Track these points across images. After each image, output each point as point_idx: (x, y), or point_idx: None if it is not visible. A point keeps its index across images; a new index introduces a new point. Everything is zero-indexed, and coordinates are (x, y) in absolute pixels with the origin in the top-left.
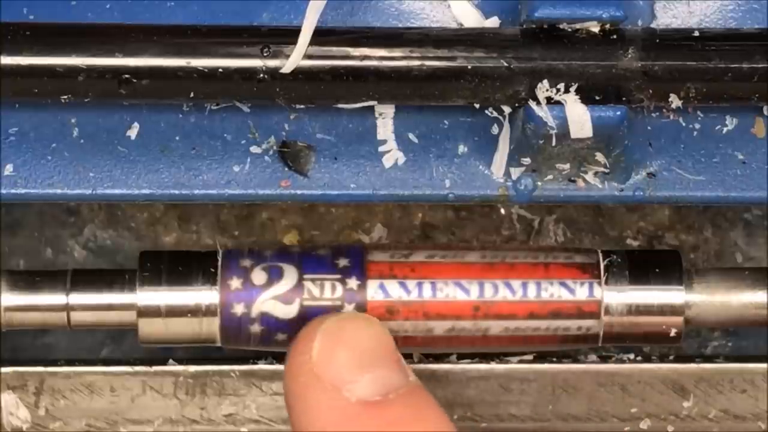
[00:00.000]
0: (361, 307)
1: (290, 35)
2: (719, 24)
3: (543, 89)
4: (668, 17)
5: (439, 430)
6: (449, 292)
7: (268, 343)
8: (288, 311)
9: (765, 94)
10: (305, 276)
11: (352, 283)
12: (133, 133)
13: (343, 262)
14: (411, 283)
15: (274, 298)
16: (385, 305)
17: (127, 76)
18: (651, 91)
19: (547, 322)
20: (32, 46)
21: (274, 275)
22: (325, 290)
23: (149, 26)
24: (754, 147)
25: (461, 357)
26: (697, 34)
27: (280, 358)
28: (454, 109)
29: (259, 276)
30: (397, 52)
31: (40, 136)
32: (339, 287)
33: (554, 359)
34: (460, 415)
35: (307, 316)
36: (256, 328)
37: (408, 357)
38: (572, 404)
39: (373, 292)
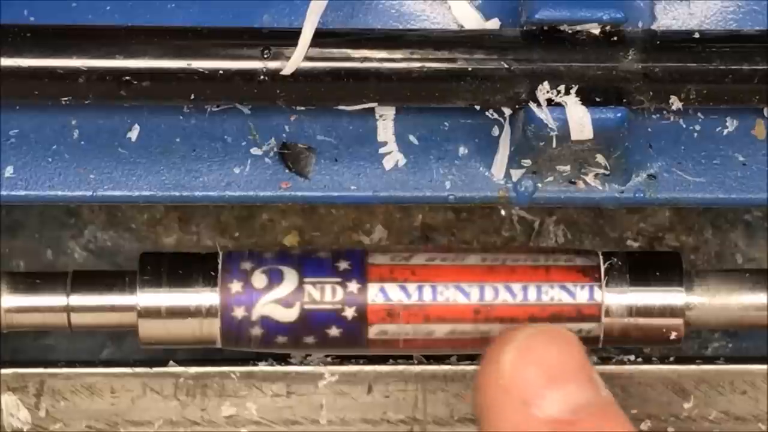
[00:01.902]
0: (362, 311)
1: (291, 37)
2: (719, 25)
3: (543, 91)
4: (668, 19)
5: None
6: (450, 295)
7: (268, 345)
8: (288, 314)
9: (765, 95)
10: (305, 279)
11: (353, 286)
12: (133, 134)
13: (343, 265)
14: (411, 287)
15: (274, 301)
16: (385, 308)
17: (127, 77)
18: (651, 93)
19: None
20: (33, 47)
21: (275, 278)
22: (325, 293)
23: (150, 28)
24: (754, 149)
25: (461, 358)
26: (697, 35)
27: (280, 359)
28: (455, 111)
29: (259, 279)
30: (397, 54)
31: (40, 137)
32: (339, 290)
33: None
34: (460, 416)
35: (307, 320)
36: (256, 330)
37: (408, 358)
38: None
39: (374, 295)
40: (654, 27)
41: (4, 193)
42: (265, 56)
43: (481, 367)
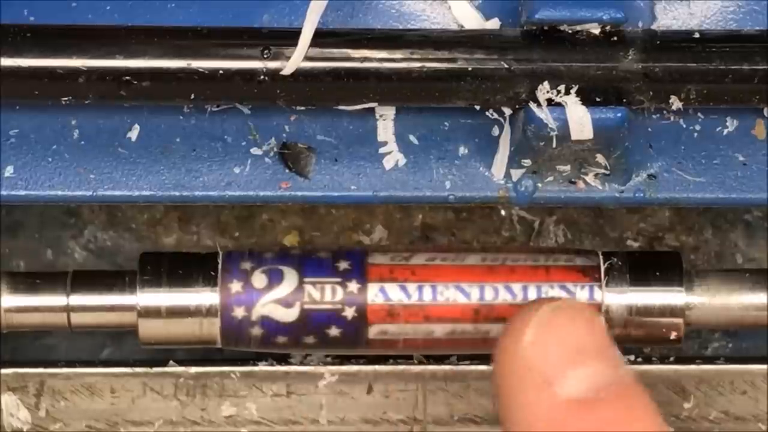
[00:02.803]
0: (362, 311)
1: (291, 37)
2: (719, 25)
3: (543, 91)
4: (668, 19)
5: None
6: (450, 295)
7: (268, 345)
8: (288, 314)
9: (765, 95)
10: (305, 279)
11: (353, 286)
12: (133, 134)
13: (343, 265)
14: (411, 287)
15: (274, 301)
16: (385, 308)
17: (127, 77)
18: (651, 93)
19: None
20: (33, 47)
21: (275, 278)
22: (325, 293)
23: (150, 28)
24: (754, 148)
25: (462, 358)
26: (697, 35)
27: (280, 359)
28: (455, 111)
29: (259, 279)
30: (397, 54)
31: (40, 137)
32: (339, 290)
33: None
34: (460, 416)
35: (307, 320)
36: (256, 330)
37: (408, 358)
38: None
39: (374, 295)
40: (654, 27)
41: (4, 193)
42: (265, 56)
43: (501, 342)
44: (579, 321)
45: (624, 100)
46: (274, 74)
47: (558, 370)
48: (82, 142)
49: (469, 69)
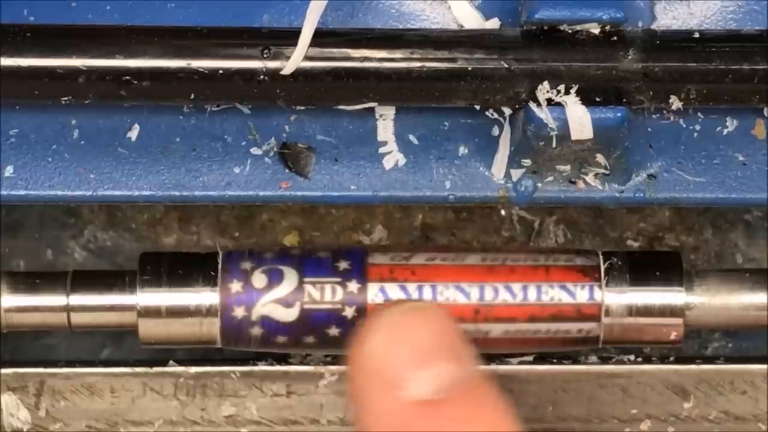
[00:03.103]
0: (362, 311)
1: (291, 37)
2: (719, 25)
3: (543, 91)
4: (668, 18)
5: (496, 430)
6: (450, 295)
7: (268, 345)
8: (288, 314)
9: (765, 95)
10: (305, 279)
11: (353, 286)
12: (133, 134)
13: (343, 265)
14: (411, 286)
15: (274, 301)
16: None
17: (127, 77)
18: (651, 93)
19: (548, 325)
20: (32, 47)
21: (275, 278)
22: (325, 293)
23: (150, 28)
24: (754, 148)
25: None
26: (697, 35)
27: (280, 359)
28: (455, 111)
29: (259, 279)
30: (397, 54)
31: (40, 137)
32: (339, 290)
33: (555, 360)
34: None
35: (307, 319)
36: (256, 330)
37: None
38: (573, 405)
39: (374, 295)
40: (654, 27)
41: (4, 192)
42: (265, 56)
43: (352, 347)
44: (427, 322)
45: (624, 100)
46: (274, 74)
47: (405, 372)
48: (82, 142)
49: (469, 69)
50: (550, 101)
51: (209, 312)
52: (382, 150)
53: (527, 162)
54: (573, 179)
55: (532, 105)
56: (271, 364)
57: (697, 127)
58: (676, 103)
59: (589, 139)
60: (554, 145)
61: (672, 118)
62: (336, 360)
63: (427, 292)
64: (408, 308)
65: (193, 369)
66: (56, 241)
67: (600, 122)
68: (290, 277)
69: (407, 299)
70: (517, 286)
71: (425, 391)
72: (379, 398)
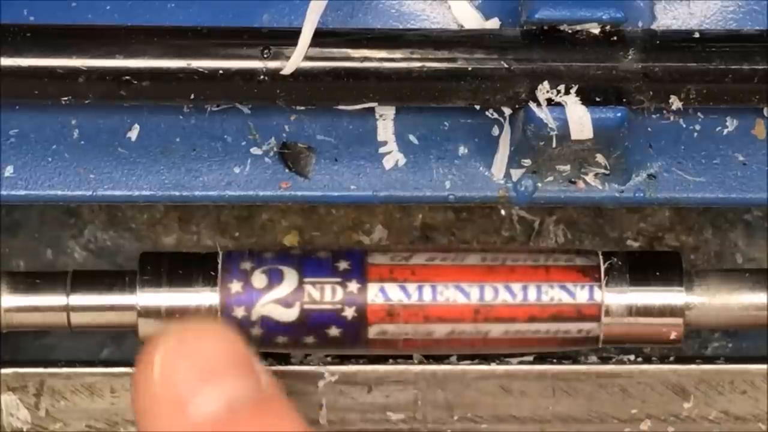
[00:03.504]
0: (362, 311)
1: (291, 37)
2: (719, 25)
3: (543, 90)
4: (668, 18)
5: None
6: (449, 295)
7: (268, 345)
8: (288, 314)
9: (765, 95)
10: (305, 279)
11: (353, 286)
12: (133, 134)
13: (343, 265)
14: (411, 287)
15: (274, 301)
16: (385, 308)
17: (127, 77)
18: (651, 93)
19: (548, 325)
20: (32, 47)
21: (275, 278)
22: (325, 294)
23: (150, 27)
24: (754, 148)
25: (461, 358)
26: (697, 35)
27: (280, 359)
28: (455, 111)
29: (259, 279)
30: (397, 54)
31: (40, 137)
32: (339, 290)
33: (554, 360)
34: (460, 416)
35: (307, 320)
36: (256, 330)
37: (408, 358)
38: (572, 405)
39: (374, 295)
40: (654, 27)
41: (4, 192)
42: (265, 56)
43: (135, 370)
44: (208, 339)
45: (624, 100)
46: (274, 74)
47: (189, 391)
48: (82, 142)
49: (469, 69)
50: (550, 101)
51: (209, 312)
52: (382, 150)
53: (527, 162)
54: (573, 179)
55: (532, 105)
56: (271, 364)
57: (697, 127)
58: (676, 103)
59: (589, 139)
60: (554, 145)
61: (672, 118)
62: (336, 360)
63: (426, 292)
64: (185, 328)
65: None
66: (56, 241)
67: (600, 122)
68: (290, 277)
69: (189, 321)
70: (517, 286)
71: (212, 408)
72: (165, 417)
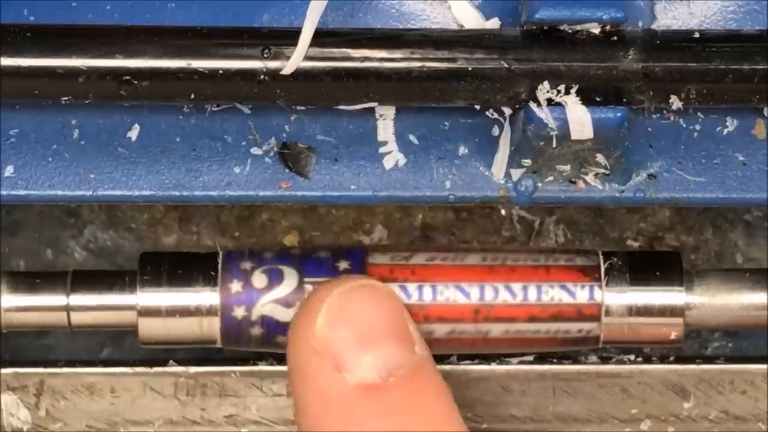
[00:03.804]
0: None
1: (291, 36)
2: (720, 25)
3: (543, 90)
4: (668, 18)
5: (433, 420)
6: (450, 295)
7: (268, 345)
8: (288, 314)
9: (765, 95)
10: (306, 279)
11: None
12: (133, 134)
13: (343, 265)
14: (411, 286)
15: (274, 301)
16: None
17: (127, 77)
18: (651, 93)
19: (548, 325)
20: (33, 47)
21: (275, 278)
22: None
23: (150, 27)
24: (754, 148)
25: (462, 358)
26: (697, 35)
27: (280, 359)
28: (455, 111)
29: (259, 279)
30: (397, 54)
31: (40, 137)
32: None
33: (554, 360)
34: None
35: None
36: (256, 330)
37: None
38: (572, 405)
39: None
40: (654, 27)
41: (4, 192)
42: (265, 56)
43: (292, 327)
44: (372, 302)
45: (624, 100)
46: (274, 74)
47: (348, 355)
48: (82, 142)
49: (469, 69)
50: (550, 101)
51: (209, 312)
52: (382, 150)
53: (527, 162)
54: (573, 179)
55: (533, 105)
56: (271, 364)
57: (697, 127)
58: (676, 103)
59: (589, 139)
60: (554, 145)
61: (672, 118)
62: None
63: (427, 292)
64: (353, 286)
65: (193, 369)
66: (56, 241)
67: (600, 122)
68: (290, 277)
69: (353, 276)
70: (517, 286)
71: (369, 375)
72: (321, 379)
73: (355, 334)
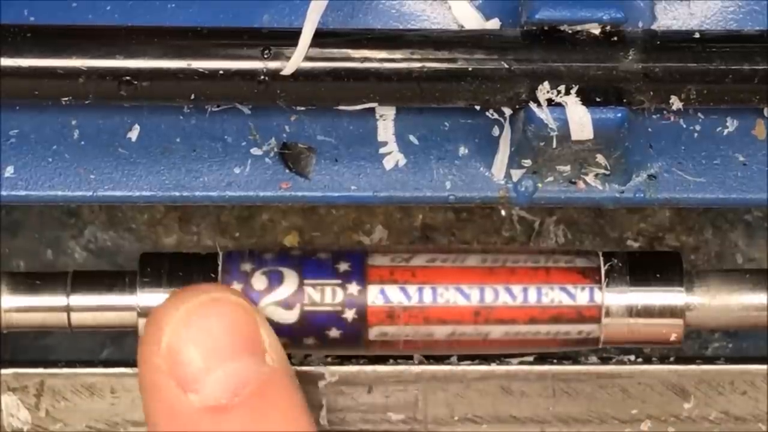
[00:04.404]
0: (362, 313)
1: (291, 37)
2: (720, 25)
3: (544, 91)
4: (669, 19)
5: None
6: (450, 297)
7: None
8: (288, 316)
9: (765, 95)
10: (306, 281)
11: (353, 288)
12: (133, 134)
13: (343, 267)
14: (412, 288)
15: (274, 303)
16: (385, 310)
17: (127, 77)
18: (651, 93)
19: (548, 327)
20: (33, 47)
21: (275, 280)
22: (325, 295)
23: (150, 28)
24: (754, 149)
25: (462, 358)
26: (697, 35)
27: None
28: (455, 111)
29: (259, 281)
30: (397, 54)
31: (40, 138)
32: (339, 292)
33: (554, 361)
34: (460, 416)
35: (307, 321)
36: None
37: (408, 358)
38: (572, 406)
39: (374, 297)
40: (654, 27)
41: (4, 193)
42: (266, 56)
43: (141, 340)
44: (219, 316)
45: (624, 100)
46: (274, 74)
47: (194, 374)
48: (82, 142)
49: (469, 69)
50: (550, 101)
51: None
52: (382, 150)
53: (527, 162)
54: (573, 179)
55: (533, 105)
56: None
57: (698, 128)
58: (676, 103)
59: (589, 139)
60: (554, 145)
61: (672, 118)
62: (336, 360)
63: (427, 294)
64: (202, 301)
65: None
66: (56, 241)
67: (600, 122)
68: (290, 278)
69: (203, 286)
70: (517, 288)
71: (214, 395)
72: (168, 399)
73: (201, 352)
